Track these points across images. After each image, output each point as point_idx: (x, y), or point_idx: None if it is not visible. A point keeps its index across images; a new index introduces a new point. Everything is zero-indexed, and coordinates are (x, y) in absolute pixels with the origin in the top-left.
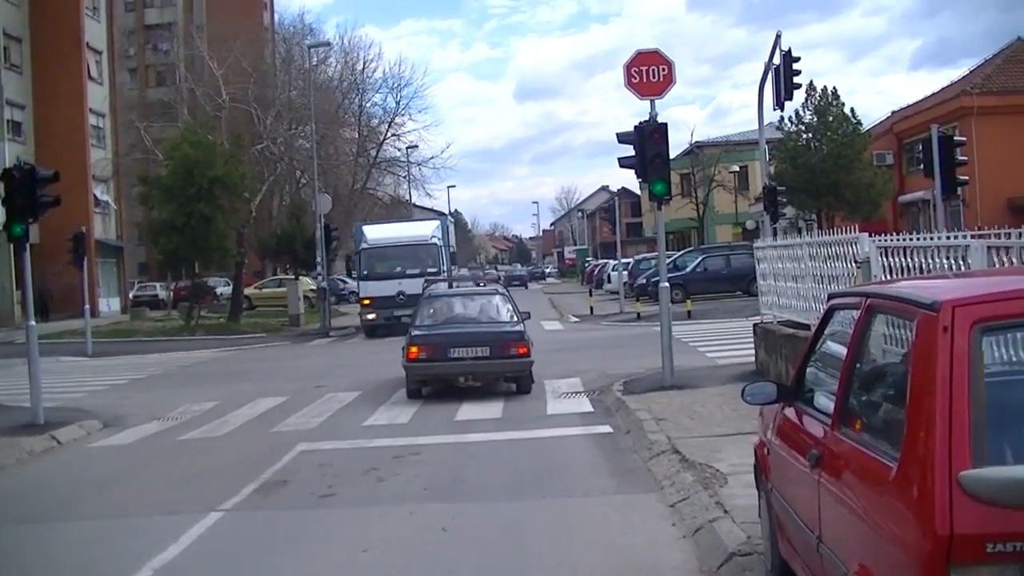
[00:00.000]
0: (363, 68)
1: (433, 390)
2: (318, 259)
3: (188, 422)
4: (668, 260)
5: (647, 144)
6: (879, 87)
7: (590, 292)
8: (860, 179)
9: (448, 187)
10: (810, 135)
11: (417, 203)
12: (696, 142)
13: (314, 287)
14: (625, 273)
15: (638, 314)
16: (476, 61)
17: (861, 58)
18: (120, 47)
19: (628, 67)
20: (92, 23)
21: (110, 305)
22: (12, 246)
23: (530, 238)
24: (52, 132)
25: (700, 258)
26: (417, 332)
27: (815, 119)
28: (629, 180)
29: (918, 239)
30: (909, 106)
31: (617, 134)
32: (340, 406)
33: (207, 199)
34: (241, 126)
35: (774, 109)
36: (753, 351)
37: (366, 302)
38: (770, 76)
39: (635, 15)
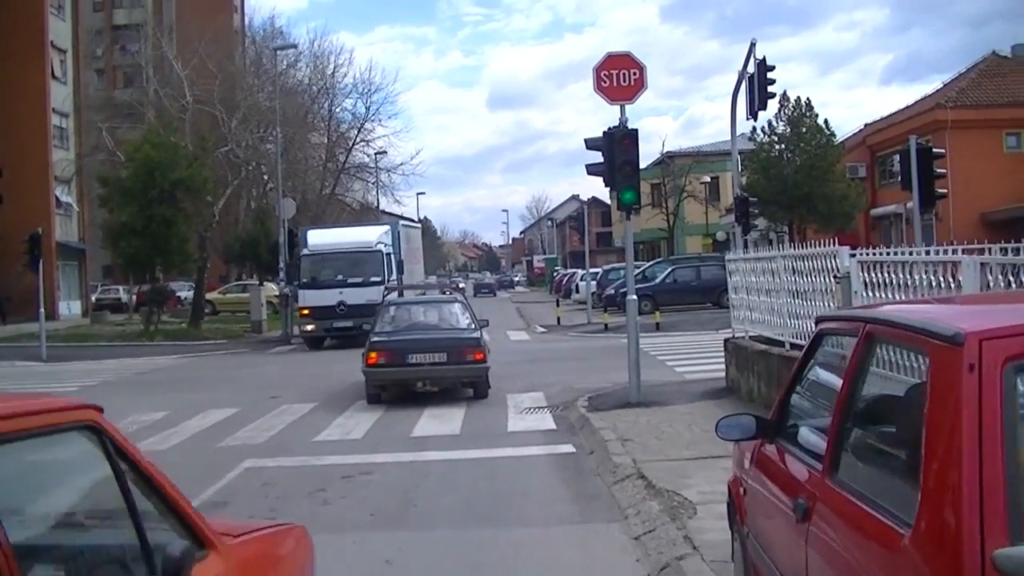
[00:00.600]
0: (333, 73)
1: (392, 396)
2: (281, 264)
3: (134, 433)
4: (637, 271)
5: (616, 150)
6: (850, 100)
7: (557, 302)
8: (833, 191)
9: (417, 194)
10: (783, 146)
11: (386, 209)
12: (667, 152)
13: (278, 293)
14: (593, 283)
15: (606, 325)
16: (450, 68)
17: (833, 72)
18: (87, 47)
19: (598, 70)
20: (57, 21)
21: (71, 308)
22: None
23: (500, 246)
24: (13, 131)
25: (670, 269)
26: (376, 338)
27: (788, 130)
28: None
29: (902, 253)
30: (882, 119)
31: (585, 140)
32: (293, 419)
33: (168, 202)
34: (205, 128)
35: (747, 119)
36: (723, 366)
37: (304, 312)
38: (744, 85)
39: (609, 25)
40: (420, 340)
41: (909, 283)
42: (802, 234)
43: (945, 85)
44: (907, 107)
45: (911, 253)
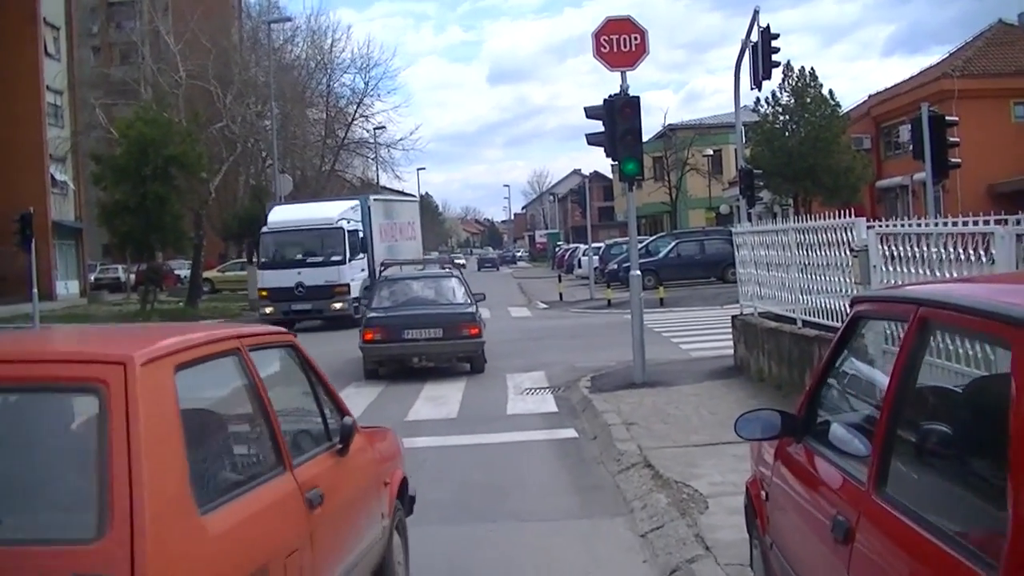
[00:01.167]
0: (331, 48)
1: (390, 371)
2: None
3: None
4: (640, 245)
5: (617, 119)
6: (852, 72)
7: (559, 278)
8: (838, 163)
9: (418, 169)
10: (787, 117)
11: (386, 185)
12: (669, 125)
13: None
14: (596, 258)
15: (608, 301)
16: (449, 44)
17: (835, 43)
18: (83, 24)
19: (597, 35)
20: None
21: (68, 288)
22: None
23: (502, 222)
24: (6, 109)
25: (673, 243)
26: (373, 314)
27: (792, 101)
28: (602, 164)
29: (926, 225)
30: (887, 89)
31: (585, 108)
32: None
33: (162, 179)
34: (200, 105)
35: (751, 88)
36: (731, 343)
37: (263, 294)
38: (747, 54)
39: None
40: (416, 316)
41: (933, 257)
42: (807, 207)
43: (951, 54)
44: (912, 77)
45: (932, 224)
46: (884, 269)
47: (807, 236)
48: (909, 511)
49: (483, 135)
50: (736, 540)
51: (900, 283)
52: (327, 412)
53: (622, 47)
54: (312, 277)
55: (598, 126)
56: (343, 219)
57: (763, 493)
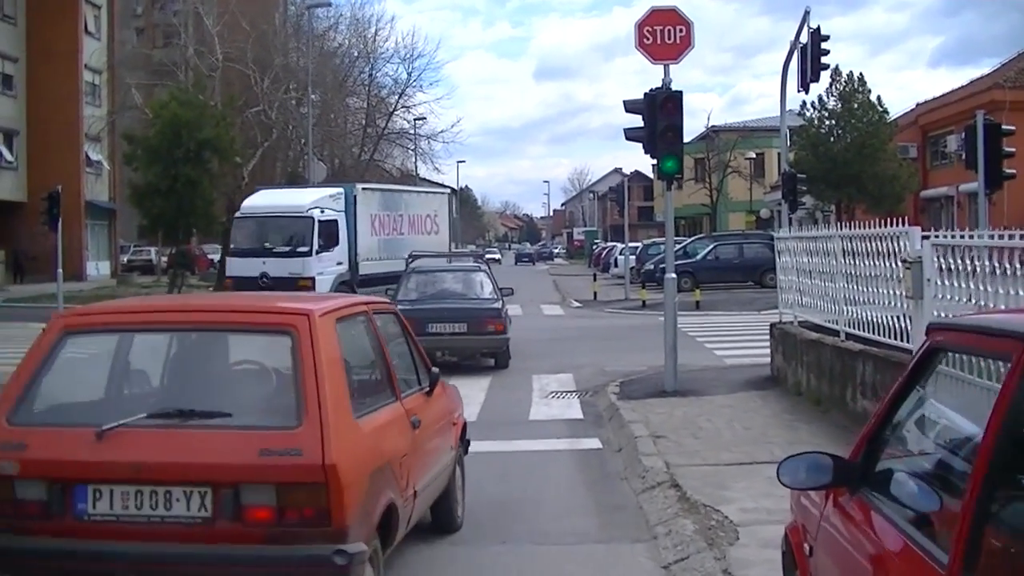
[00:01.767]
0: (374, 37)
1: None
2: None
3: None
4: (678, 247)
5: (658, 114)
6: (899, 82)
7: (595, 276)
8: (884, 171)
9: (458, 162)
10: (833, 122)
11: (425, 177)
12: (712, 126)
13: None
14: (632, 258)
15: (644, 302)
16: (497, 39)
17: (882, 53)
18: (127, 4)
19: (640, 25)
20: None
21: (99, 269)
22: None
23: (540, 218)
24: (44, 87)
25: (712, 246)
26: (397, 307)
27: (839, 106)
28: (643, 163)
29: (989, 237)
30: (936, 98)
31: (624, 102)
32: None
33: (195, 162)
34: (237, 88)
35: (799, 91)
36: (767, 351)
37: (228, 283)
38: (796, 56)
39: None
40: (440, 309)
41: (997, 272)
42: (850, 214)
43: (1003, 64)
44: (962, 87)
45: (993, 237)
46: (939, 283)
47: (855, 244)
48: None
49: (527, 131)
50: None
51: (953, 298)
52: (418, 363)
53: (666, 39)
54: (277, 268)
55: (638, 121)
56: (316, 207)
57: (806, 547)
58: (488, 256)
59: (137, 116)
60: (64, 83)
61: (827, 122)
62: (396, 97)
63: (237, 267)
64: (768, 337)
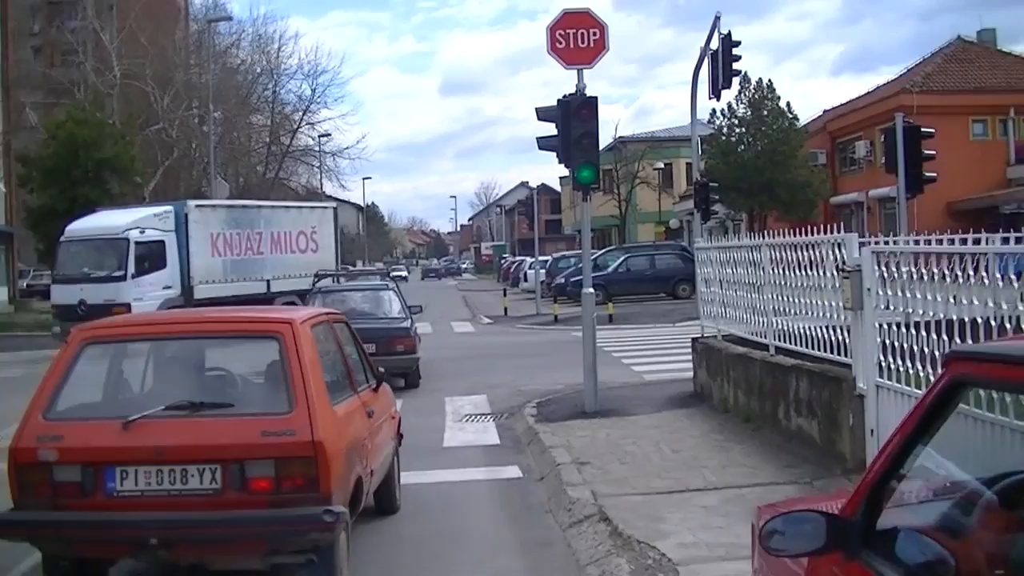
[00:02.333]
0: (277, 53)
1: None
2: None
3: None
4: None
5: (573, 121)
6: (802, 91)
7: (504, 291)
8: (796, 178)
9: (363, 179)
10: (743, 130)
11: (331, 195)
12: (619, 137)
13: None
14: (543, 272)
15: (555, 317)
16: (403, 55)
17: (785, 61)
18: (23, 23)
19: (552, 29)
20: None
21: None
22: None
23: (448, 233)
24: None
25: (623, 257)
26: None
27: (749, 113)
28: (549, 176)
29: (933, 242)
30: (843, 104)
31: (537, 109)
32: None
33: (94, 182)
34: (136, 106)
35: (710, 97)
36: (687, 365)
37: (54, 311)
38: (706, 63)
39: None
40: None
41: (935, 277)
42: (762, 222)
43: (909, 70)
44: (869, 92)
45: (935, 243)
46: (880, 293)
47: (785, 253)
48: None
49: (434, 146)
50: None
51: (896, 309)
52: (365, 363)
53: (579, 43)
54: (93, 294)
55: (551, 129)
56: (135, 228)
57: None
58: (395, 273)
59: (33, 137)
60: None
61: (737, 130)
62: (300, 114)
63: (59, 295)
64: (689, 351)
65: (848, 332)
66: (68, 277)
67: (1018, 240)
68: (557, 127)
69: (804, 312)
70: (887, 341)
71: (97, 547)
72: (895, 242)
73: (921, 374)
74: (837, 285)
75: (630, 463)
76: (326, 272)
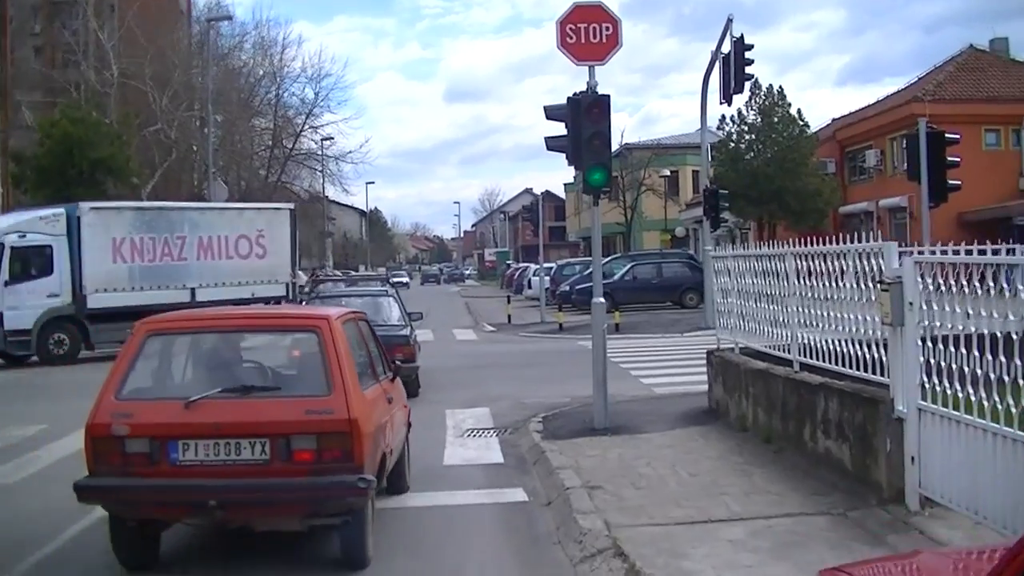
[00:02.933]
0: (281, 56)
1: None
2: None
3: None
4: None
5: (583, 121)
6: (807, 101)
7: (508, 299)
8: (806, 186)
9: (367, 183)
10: (753, 137)
11: (334, 199)
12: (626, 144)
13: None
14: (547, 279)
15: (560, 325)
16: (408, 61)
17: (790, 72)
18: (24, 23)
19: (563, 23)
20: None
21: None
22: None
23: (451, 239)
24: None
25: (629, 265)
26: None
27: (759, 120)
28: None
29: (989, 251)
30: (853, 113)
31: (545, 107)
32: None
33: (88, 183)
34: (134, 106)
35: (721, 102)
36: (699, 378)
37: None
38: (717, 67)
39: None
40: None
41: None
42: (772, 231)
43: (920, 79)
44: (879, 101)
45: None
46: (924, 308)
47: (812, 263)
48: None
49: (438, 152)
50: None
51: (942, 324)
52: (383, 356)
53: (591, 38)
54: None
55: (560, 129)
56: (14, 232)
57: None
58: (395, 280)
59: (29, 136)
60: None
61: (747, 136)
62: (303, 117)
63: None
64: (702, 364)
65: (884, 348)
66: None
67: None
68: (567, 127)
69: (833, 326)
70: (931, 360)
71: (162, 509)
72: (942, 252)
73: (973, 398)
74: (873, 298)
75: (645, 488)
76: (326, 277)
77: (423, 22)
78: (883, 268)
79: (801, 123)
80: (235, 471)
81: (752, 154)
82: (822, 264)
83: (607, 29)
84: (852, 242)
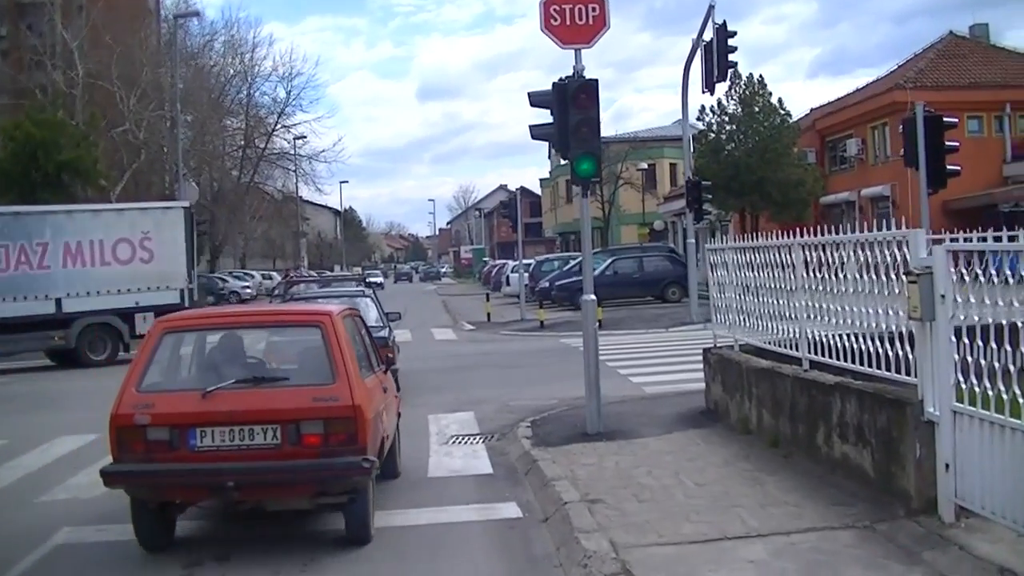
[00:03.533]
0: (251, 55)
1: None
2: None
3: None
4: (572, 263)
5: (571, 107)
6: (779, 94)
7: (487, 296)
8: (788, 176)
9: (340, 182)
10: (734, 127)
11: (308, 199)
12: (602, 138)
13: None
14: (526, 275)
15: (542, 322)
16: (380, 60)
17: (761, 64)
18: None
19: (547, 5)
20: None
21: None
22: None
23: (427, 237)
24: None
25: (610, 260)
26: None
27: (740, 109)
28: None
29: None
30: (832, 102)
31: (529, 94)
32: None
33: (54, 187)
34: (101, 107)
35: (703, 91)
36: (690, 376)
37: None
38: (698, 55)
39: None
40: None
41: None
42: (754, 222)
43: (900, 66)
44: (858, 90)
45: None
46: (958, 300)
47: (825, 253)
48: None
49: (411, 151)
50: None
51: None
52: (377, 350)
53: (577, 19)
54: None
55: (544, 117)
56: None
57: None
58: (370, 280)
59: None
60: None
61: (727, 127)
62: (276, 117)
63: None
64: (692, 361)
65: (909, 344)
66: None
67: None
68: (552, 114)
69: (848, 321)
70: (968, 358)
71: (182, 491)
72: (980, 239)
73: (1020, 399)
74: (897, 291)
75: (649, 500)
76: (300, 278)
77: (395, 20)
78: (908, 258)
79: (783, 112)
80: (249, 455)
81: (733, 144)
82: (835, 254)
83: (594, 10)
84: (851, 231)
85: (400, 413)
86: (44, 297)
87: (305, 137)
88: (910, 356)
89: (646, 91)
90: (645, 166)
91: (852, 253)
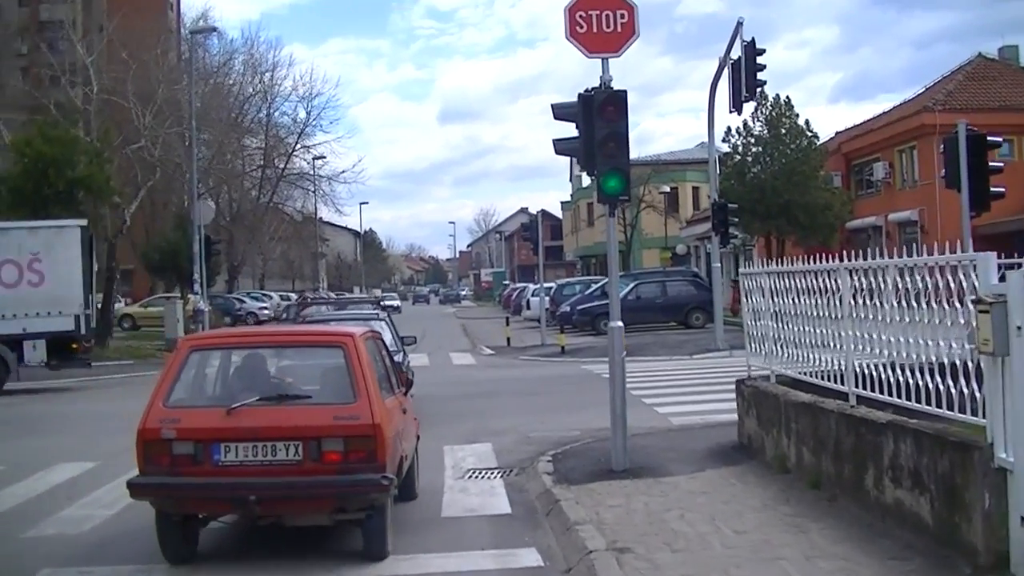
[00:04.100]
0: (272, 75)
1: None
2: (195, 275)
3: None
4: (594, 287)
5: (596, 120)
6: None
7: (507, 320)
8: (815, 200)
9: (360, 204)
10: (760, 149)
11: (328, 220)
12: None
13: (192, 308)
14: (547, 299)
15: (562, 348)
16: (402, 82)
17: (783, 89)
18: (8, 44)
19: (572, 10)
20: None
21: None
22: None
23: (447, 259)
24: None
25: (633, 284)
26: None
27: (766, 131)
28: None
29: None
30: (858, 125)
31: (553, 106)
32: None
33: (66, 204)
34: (116, 124)
35: (731, 111)
36: (718, 406)
37: None
38: (725, 74)
39: (562, 40)
40: None
41: None
42: (780, 246)
43: (928, 89)
44: (885, 112)
45: None
46: None
47: (874, 279)
48: None
49: (432, 173)
50: None
51: None
52: (395, 372)
53: (604, 27)
54: None
55: (569, 130)
56: None
57: None
58: (386, 303)
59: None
60: None
61: (753, 149)
62: (295, 137)
63: None
64: (721, 391)
65: (976, 381)
66: None
67: None
68: (578, 127)
69: (901, 353)
70: None
71: (206, 504)
72: None
73: None
74: (963, 321)
75: (684, 550)
76: (313, 300)
77: (417, 43)
78: (976, 284)
79: (810, 134)
80: (272, 470)
81: (759, 167)
82: (886, 279)
83: (622, 17)
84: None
85: (419, 436)
86: None
87: (325, 157)
88: (977, 394)
89: (668, 115)
90: (667, 189)
91: (910, 278)
